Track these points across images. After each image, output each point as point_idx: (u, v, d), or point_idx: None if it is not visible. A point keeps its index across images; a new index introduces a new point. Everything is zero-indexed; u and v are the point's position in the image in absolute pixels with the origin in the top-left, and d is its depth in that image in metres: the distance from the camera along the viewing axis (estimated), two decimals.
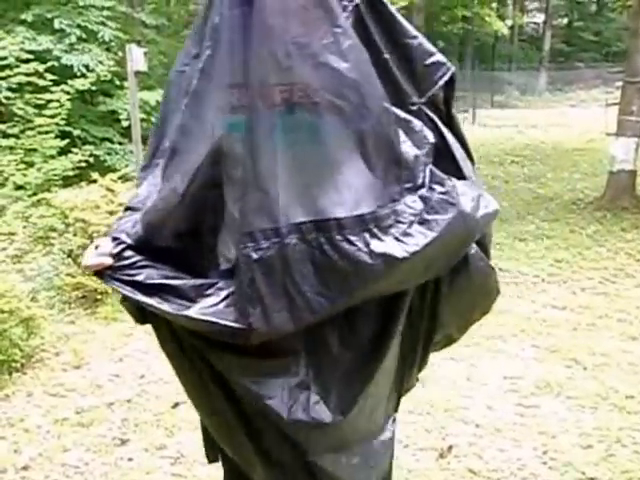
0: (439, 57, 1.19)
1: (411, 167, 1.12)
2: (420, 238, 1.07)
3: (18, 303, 2.92)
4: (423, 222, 1.08)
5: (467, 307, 1.30)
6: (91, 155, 6.43)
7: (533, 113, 14.72)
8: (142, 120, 6.26)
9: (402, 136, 1.13)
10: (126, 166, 6.91)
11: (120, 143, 8.01)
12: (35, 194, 5.92)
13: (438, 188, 1.11)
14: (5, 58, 6.36)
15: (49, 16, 7.62)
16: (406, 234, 1.07)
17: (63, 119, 6.40)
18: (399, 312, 1.18)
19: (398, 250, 1.06)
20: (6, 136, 6.51)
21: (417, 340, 1.26)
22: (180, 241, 1.18)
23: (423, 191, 1.11)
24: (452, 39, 20.94)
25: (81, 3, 7.85)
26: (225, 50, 1.10)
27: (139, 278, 1.13)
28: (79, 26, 7.69)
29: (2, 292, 2.87)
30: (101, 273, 1.15)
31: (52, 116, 6.31)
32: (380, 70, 1.13)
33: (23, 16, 7.61)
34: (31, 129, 6.37)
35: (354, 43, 1.09)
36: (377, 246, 1.06)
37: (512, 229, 5.69)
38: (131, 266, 1.14)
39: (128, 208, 1.26)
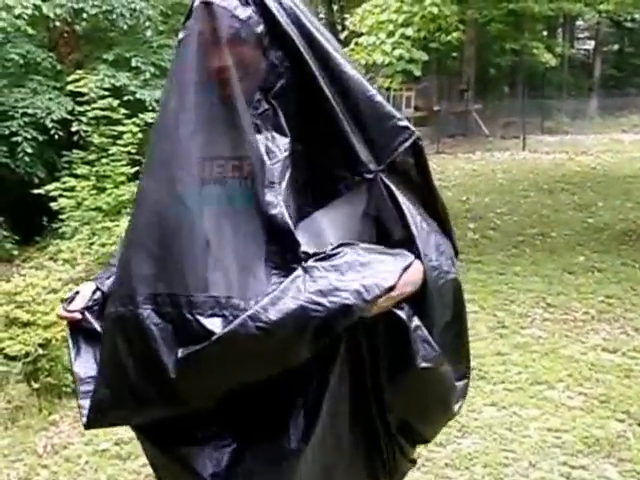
0: (400, 121, 1.02)
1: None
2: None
3: None
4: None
5: (418, 396, 1.07)
6: None
7: (584, 139, 13.88)
8: None
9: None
10: None
11: None
12: (107, 216, 6.05)
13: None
14: (87, 94, 6.59)
15: (127, 55, 7.86)
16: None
17: (135, 147, 6.53)
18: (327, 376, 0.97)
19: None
20: (84, 163, 6.73)
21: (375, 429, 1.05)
22: None
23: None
24: (503, 68, 20.33)
25: (155, 44, 8.05)
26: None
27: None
28: (153, 64, 7.89)
29: (56, 320, 2.82)
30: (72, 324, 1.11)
31: (125, 145, 6.45)
32: (330, 133, 0.98)
33: (105, 56, 7.90)
34: (105, 157, 6.53)
35: None
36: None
37: (561, 261, 5.25)
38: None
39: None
